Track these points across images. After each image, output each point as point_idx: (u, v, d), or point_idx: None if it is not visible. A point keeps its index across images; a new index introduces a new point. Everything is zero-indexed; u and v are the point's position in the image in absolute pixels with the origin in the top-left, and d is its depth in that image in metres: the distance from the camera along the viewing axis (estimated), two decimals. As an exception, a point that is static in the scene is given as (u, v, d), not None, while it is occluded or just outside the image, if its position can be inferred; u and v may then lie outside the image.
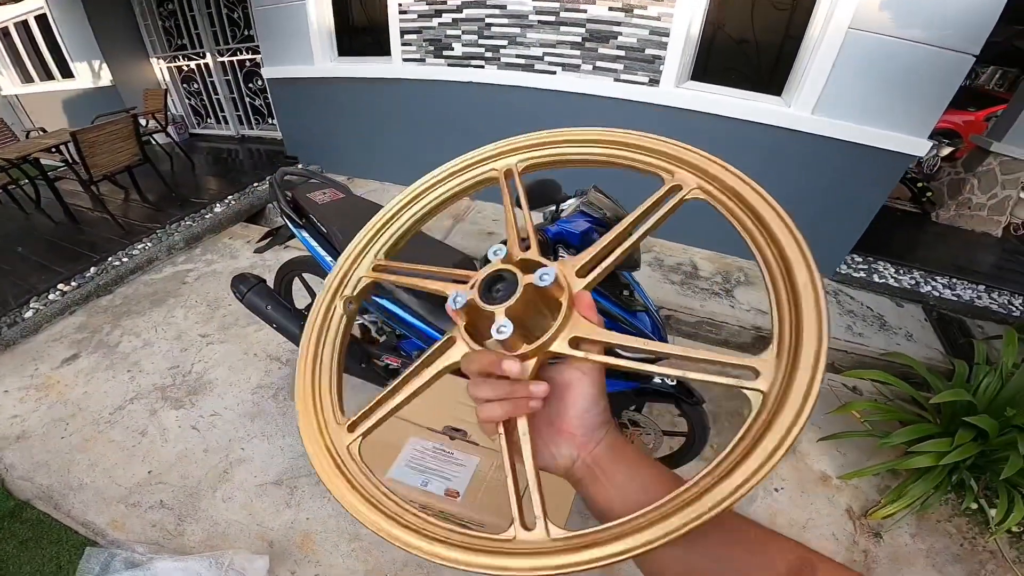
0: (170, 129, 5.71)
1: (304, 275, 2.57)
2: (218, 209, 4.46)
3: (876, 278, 3.16)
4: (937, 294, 3.06)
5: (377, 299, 1.97)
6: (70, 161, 4.31)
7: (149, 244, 3.92)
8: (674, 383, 1.60)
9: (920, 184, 4.28)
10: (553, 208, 1.56)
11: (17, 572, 1.90)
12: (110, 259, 3.71)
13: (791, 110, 2.73)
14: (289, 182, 2.36)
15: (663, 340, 1.48)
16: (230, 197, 4.68)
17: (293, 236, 2.24)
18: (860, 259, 3.37)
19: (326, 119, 4.71)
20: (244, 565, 1.96)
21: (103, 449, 2.35)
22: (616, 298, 1.47)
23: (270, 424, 2.52)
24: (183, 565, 1.91)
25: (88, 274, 3.52)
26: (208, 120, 6.55)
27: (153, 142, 5.51)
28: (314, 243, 2.09)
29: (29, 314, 3.11)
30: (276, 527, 2.10)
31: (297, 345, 1.48)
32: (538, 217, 1.64)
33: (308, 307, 2.49)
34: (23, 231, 4.13)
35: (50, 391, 2.63)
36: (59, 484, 2.19)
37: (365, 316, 2.36)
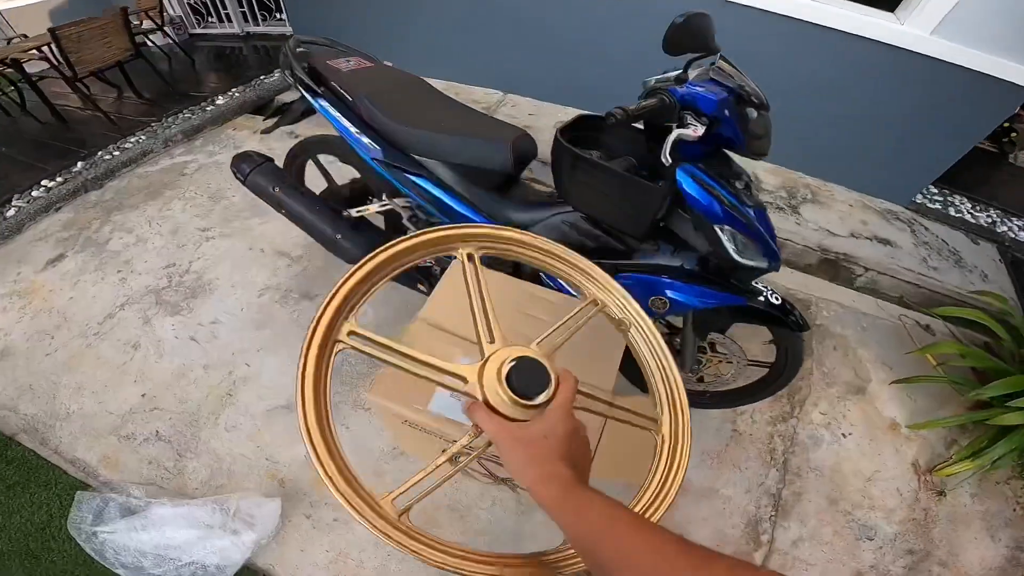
0: (167, 29, 4.84)
1: (320, 158, 1.94)
2: (220, 101, 3.74)
3: (952, 211, 2.89)
4: (1013, 235, 2.79)
5: (412, 177, 1.51)
6: (55, 62, 3.68)
7: (143, 137, 3.29)
8: (780, 301, 1.31)
9: (1005, 124, 3.55)
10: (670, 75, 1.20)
11: (6, 523, 1.54)
12: (100, 153, 3.13)
13: (904, 27, 2.39)
14: (306, 53, 1.70)
15: (776, 252, 1.22)
16: (234, 89, 3.92)
17: (306, 115, 1.80)
18: (936, 191, 3.04)
19: (345, 6, 3.70)
20: (252, 510, 1.51)
21: (91, 368, 1.91)
22: (730, 186, 1.17)
23: (279, 334, 1.98)
24: (184, 512, 1.49)
25: (75, 169, 2.97)
26: (209, 19, 5.58)
27: (149, 43, 4.71)
28: (337, 113, 1.56)
29: (11, 213, 2.62)
30: (288, 462, 1.62)
31: (311, 234, 1.59)
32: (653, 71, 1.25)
33: (324, 192, 1.84)
34: (8, 134, 3.60)
35: (33, 297, 2.18)
36: (45, 414, 1.77)
37: (396, 200, 1.71)
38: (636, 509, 0.62)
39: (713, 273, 1.27)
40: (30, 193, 2.77)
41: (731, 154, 1.20)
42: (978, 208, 2.96)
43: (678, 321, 1.54)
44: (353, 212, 1.74)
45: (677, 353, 1.50)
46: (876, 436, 1.73)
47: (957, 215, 2.87)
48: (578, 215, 1.38)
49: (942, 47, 2.30)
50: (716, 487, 1.60)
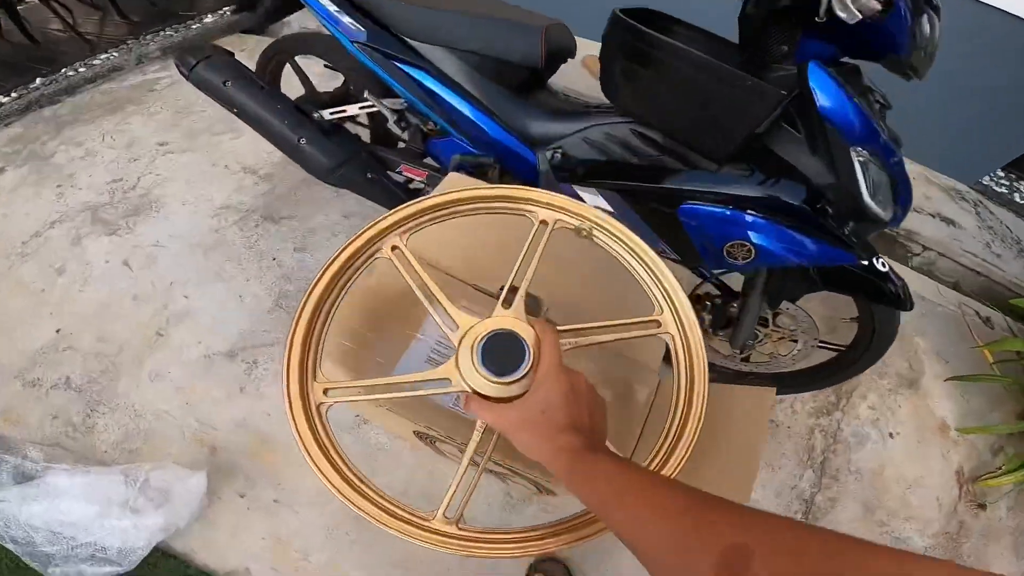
0: None
1: (300, 61, 1.53)
2: (208, 20, 3.24)
3: (1018, 198, 2.77)
4: None
5: (406, 68, 1.16)
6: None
7: (116, 54, 2.84)
8: (887, 268, 0.99)
9: None
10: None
11: None
12: (64, 70, 2.72)
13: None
14: None
15: (909, 198, 0.95)
16: (226, 8, 3.42)
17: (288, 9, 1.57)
18: (1003, 174, 2.89)
19: None
20: (170, 483, 1.11)
21: (7, 294, 1.52)
22: (866, 103, 0.87)
23: (230, 260, 1.56)
24: (85, 481, 1.14)
25: (33, 85, 2.58)
26: None
27: None
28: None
29: (-46, 127, 2.26)
30: (223, 424, 1.21)
31: (271, 139, 1.28)
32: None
33: (301, 99, 1.41)
34: (-28, 58, 3.24)
35: (-41, 215, 1.81)
36: (-60, 349, 1.41)
37: (384, 100, 1.30)
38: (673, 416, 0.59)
39: (817, 218, 0.94)
40: (-22, 110, 2.39)
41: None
42: (1052, 194, 2.76)
43: (733, 281, 1.25)
44: (326, 114, 1.34)
45: (729, 324, 1.22)
46: (925, 437, 1.53)
47: (1022, 201, 2.71)
48: (629, 126, 1.04)
49: None
50: None
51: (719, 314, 1.24)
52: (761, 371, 1.39)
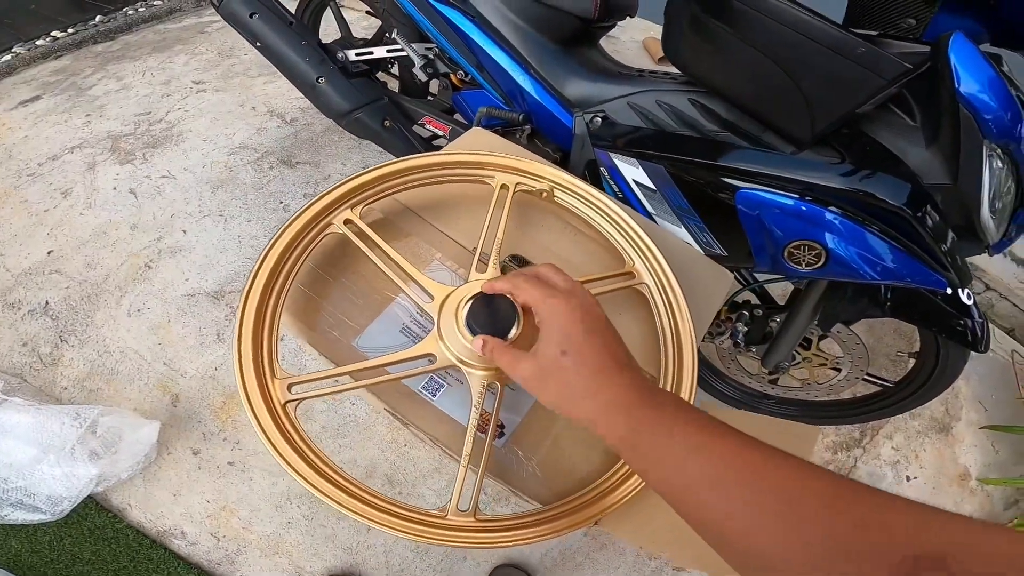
0: None
1: (340, 2, 1.45)
2: None
3: None
4: None
5: (444, 9, 0.99)
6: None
7: None
8: (971, 301, 0.83)
9: None
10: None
11: None
12: (125, 8, 2.72)
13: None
14: None
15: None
16: None
17: None
18: None
19: None
20: (119, 431, 0.96)
21: (9, 212, 1.43)
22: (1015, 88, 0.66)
23: (237, 199, 1.41)
24: (33, 420, 0.99)
25: (92, 22, 2.57)
26: None
27: None
28: None
29: (6, 58, 2.25)
30: (192, 372, 1.05)
31: (290, 77, 1.19)
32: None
33: (336, 43, 1.29)
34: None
35: (-14, 133, 1.76)
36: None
37: (414, 44, 1.14)
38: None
39: (914, 228, 0.70)
40: (34, 42, 2.39)
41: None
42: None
43: (775, 290, 1.11)
44: (352, 55, 1.23)
45: (765, 340, 1.04)
46: (941, 484, 1.41)
47: None
48: (688, 95, 0.85)
49: None
50: None
51: (756, 327, 1.05)
52: (788, 396, 1.20)
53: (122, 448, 0.96)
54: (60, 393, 1.07)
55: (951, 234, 0.72)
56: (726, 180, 0.77)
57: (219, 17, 2.67)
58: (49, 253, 1.31)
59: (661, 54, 0.88)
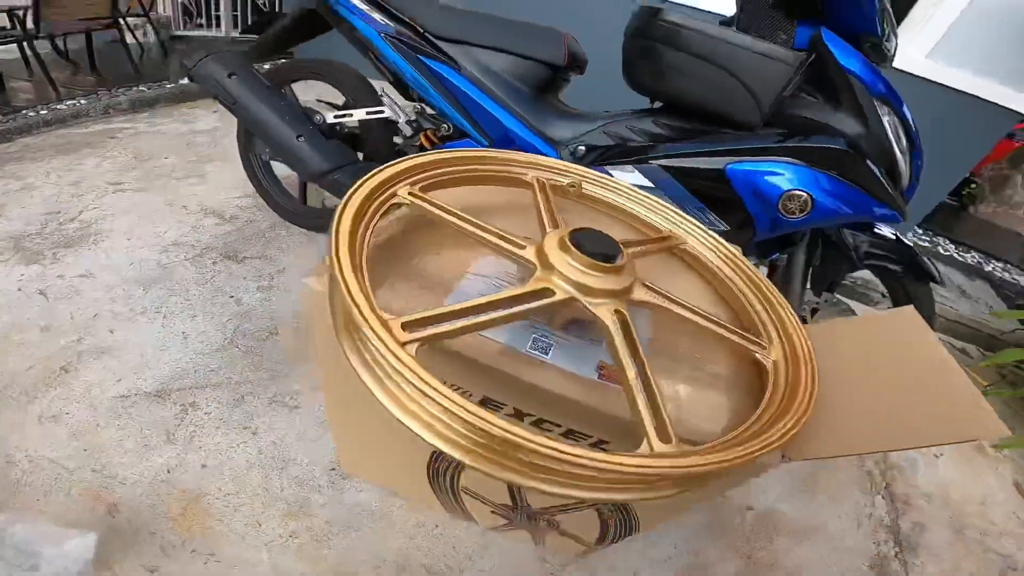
0: (148, 29, 4.52)
1: (295, 88, 1.49)
2: (185, 81, 3.24)
3: (941, 251, 3.01)
4: (999, 275, 2.92)
5: (432, 64, 1.17)
6: (18, 20, 3.21)
7: (82, 101, 2.75)
8: (911, 244, 1.10)
9: (968, 176, 3.95)
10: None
11: None
12: (24, 111, 2.58)
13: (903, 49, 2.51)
14: None
15: (917, 179, 1.05)
16: None
17: (294, 36, 1.43)
18: (922, 231, 3.17)
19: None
20: (32, 546, 0.80)
21: None
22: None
23: (176, 295, 1.34)
24: None
25: (-12, 123, 2.39)
26: (198, 19, 5.35)
27: (127, 27, 4.33)
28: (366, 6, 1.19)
29: None
30: (135, 478, 0.93)
31: (267, 138, 1.20)
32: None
33: (324, 112, 1.36)
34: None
35: None
36: None
37: (397, 103, 1.32)
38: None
39: (861, 167, 0.99)
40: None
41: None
42: (961, 250, 3.12)
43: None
44: (329, 117, 1.31)
45: None
46: (968, 457, 1.49)
47: (946, 254, 2.97)
48: (651, 117, 1.11)
49: (934, 68, 2.41)
50: (818, 521, 1.17)
51: None
52: None
53: (43, 568, 0.79)
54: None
55: (886, 180, 0.98)
56: (714, 162, 1.00)
57: (131, 125, 2.66)
58: (-76, 361, 1.12)
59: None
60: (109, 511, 0.87)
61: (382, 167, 0.58)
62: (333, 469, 0.99)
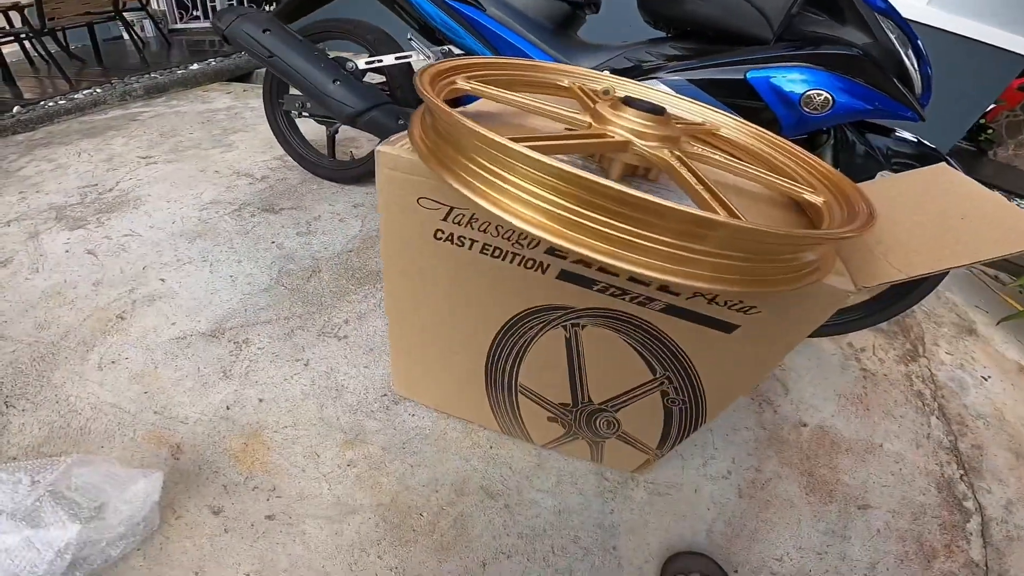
0: (146, 23, 4.52)
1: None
2: (195, 67, 3.22)
3: None
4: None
5: (459, 6, 1.17)
6: (23, 17, 3.24)
7: (99, 90, 2.76)
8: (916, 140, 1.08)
9: (981, 121, 3.94)
10: None
11: None
12: (43, 101, 2.61)
13: None
14: None
15: (930, 84, 1.04)
16: (211, 59, 3.46)
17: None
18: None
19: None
20: (100, 487, 0.77)
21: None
22: None
23: (220, 246, 1.30)
24: None
25: (9, 113, 2.42)
26: (193, 12, 5.34)
27: (125, 23, 4.34)
28: None
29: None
30: (196, 417, 0.89)
31: (303, 86, 1.22)
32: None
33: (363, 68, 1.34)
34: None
35: None
36: None
37: (426, 48, 1.27)
38: None
39: (876, 70, 1.00)
40: (-59, 137, 2.17)
41: None
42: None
43: None
44: (360, 63, 1.33)
45: None
46: (1015, 380, 1.39)
47: None
48: (668, 43, 1.14)
49: (936, 15, 2.35)
50: (876, 440, 1.08)
51: None
52: None
53: (108, 512, 0.77)
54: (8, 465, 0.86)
55: (897, 83, 0.99)
56: (734, 72, 1.02)
57: (149, 108, 2.66)
58: (-17, 322, 1.11)
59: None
60: (172, 452, 0.84)
61: (436, 62, 0.62)
62: (385, 395, 0.95)
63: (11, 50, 3.18)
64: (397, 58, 1.29)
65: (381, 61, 1.30)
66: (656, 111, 0.54)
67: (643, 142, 0.52)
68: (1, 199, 1.59)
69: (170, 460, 0.84)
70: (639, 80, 1.04)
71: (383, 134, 1.21)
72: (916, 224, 0.57)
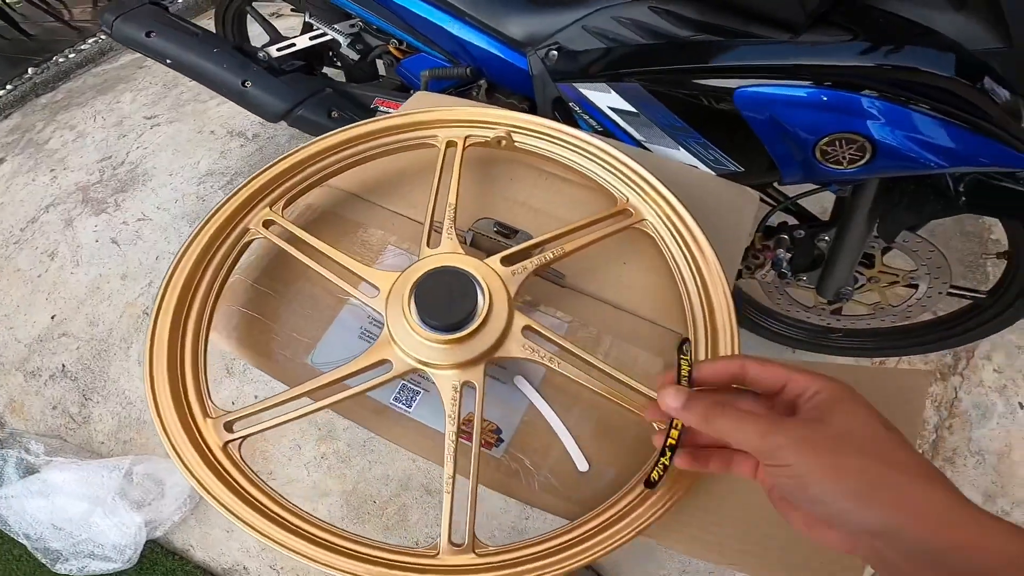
0: None
1: (259, 7, 1.36)
2: None
3: None
4: None
5: None
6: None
7: (103, 37, 2.70)
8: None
9: None
10: None
11: None
12: (55, 57, 2.61)
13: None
14: None
15: None
16: None
17: None
18: None
19: None
20: (158, 475, 1.00)
21: (7, 284, 1.43)
22: None
23: (216, 230, 1.40)
24: (80, 475, 1.04)
25: (26, 75, 2.48)
26: None
27: None
28: None
29: (-43, 122, 2.19)
30: (222, 404, 1.07)
31: (215, 88, 1.06)
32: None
33: (267, 47, 1.15)
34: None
35: (-39, 209, 1.74)
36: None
37: (336, 25, 1.09)
38: None
39: (975, 104, 0.55)
40: (-22, 104, 2.31)
41: None
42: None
43: (812, 204, 0.89)
44: (273, 51, 1.12)
45: (816, 265, 0.87)
46: None
47: None
48: (648, 3, 0.69)
49: None
50: None
51: (801, 251, 0.88)
52: (858, 327, 1.01)
53: (167, 492, 1.00)
54: (99, 447, 1.10)
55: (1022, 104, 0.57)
56: (715, 84, 0.64)
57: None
58: (52, 317, 1.32)
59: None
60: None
61: (239, 187, 0.46)
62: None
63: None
64: (311, 37, 1.11)
65: (295, 45, 1.11)
66: (456, 325, 0.37)
67: (431, 370, 0.38)
68: (38, 180, 1.74)
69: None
70: (586, 83, 0.74)
71: (316, 132, 1.09)
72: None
